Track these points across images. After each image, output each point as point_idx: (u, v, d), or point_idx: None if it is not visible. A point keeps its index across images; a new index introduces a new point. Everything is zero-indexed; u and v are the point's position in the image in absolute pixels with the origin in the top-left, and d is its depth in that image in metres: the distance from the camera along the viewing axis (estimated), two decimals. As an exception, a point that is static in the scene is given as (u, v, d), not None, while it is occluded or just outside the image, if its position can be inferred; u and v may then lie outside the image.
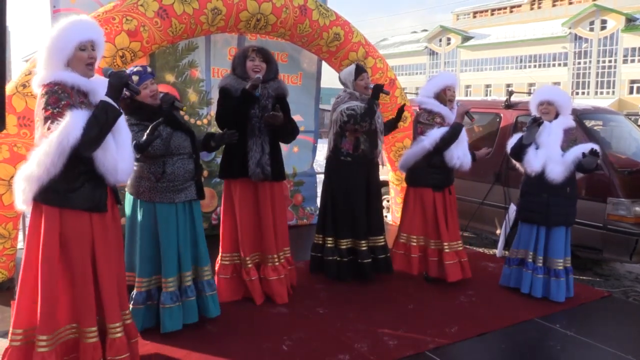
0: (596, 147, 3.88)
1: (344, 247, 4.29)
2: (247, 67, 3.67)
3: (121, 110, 2.45)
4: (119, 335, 2.59)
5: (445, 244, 4.29)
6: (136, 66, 3.23)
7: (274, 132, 3.75)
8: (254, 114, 3.67)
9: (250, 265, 3.82)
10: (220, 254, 3.86)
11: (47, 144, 2.31)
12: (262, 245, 3.85)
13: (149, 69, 3.22)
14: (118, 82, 2.41)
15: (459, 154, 4.26)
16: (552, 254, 4.10)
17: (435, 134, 4.22)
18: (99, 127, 2.35)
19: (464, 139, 4.32)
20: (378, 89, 4.10)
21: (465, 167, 4.35)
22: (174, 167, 3.17)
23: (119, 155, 2.48)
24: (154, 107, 3.15)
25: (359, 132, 4.15)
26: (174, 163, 3.17)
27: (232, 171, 3.76)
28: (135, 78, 3.10)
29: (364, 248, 4.25)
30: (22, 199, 2.45)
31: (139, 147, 2.91)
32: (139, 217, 3.19)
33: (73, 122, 2.31)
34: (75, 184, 2.45)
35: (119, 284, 2.71)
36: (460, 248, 4.41)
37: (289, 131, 3.84)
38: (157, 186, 3.16)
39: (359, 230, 4.25)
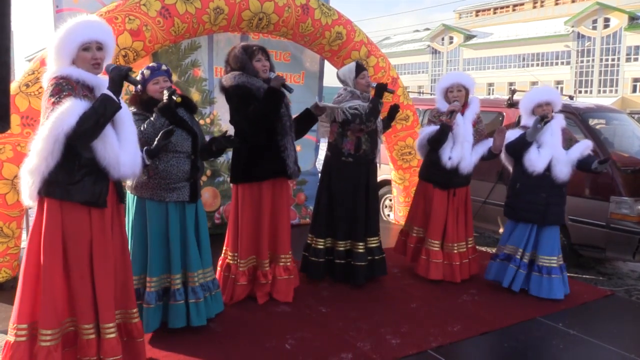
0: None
1: (342, 248, 4.21)
2: (257, 67, 3.61)
3: (121, 105, 2.43)
4: (111, 335, 2.55)
5: (433, 241, 4.31)
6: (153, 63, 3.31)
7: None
8: (284, 112, 3.66)
9: (267, 268, 3.79)
10: (238, 261, 3.76)
11: (43, 131, 2.34)
12: (276, 245, 3.82)
13: (164, 67, 3.27)
14: (117, 76, 2.40)
15: (453, 155, 4.21)
16: (543, 252, 4.12)
17: (425, 131, 4.30)
18: (95, 119, 2.33)
19: (464, 139, 4.24)
20: (382, 88, 4.06)
21: (462, 170, 4.27)
22: (168, 164, 3.14)
23: (121, 149, 2.47)
24: (158, 101, 3.15)
25: (362, 132, 4.13)
26: (168, 160, 3.14)
27: (263, 173, 3.67)
28: (146, 72, 3.19)
29: (361, 250, 4.17)
30: (27, 193, 2.46)
31: (150, 153, 2.89)
32: (131, 213, 3.18)
33: (69, 110, 2.32)
34: (76, 176, 2.44)
35: (123, 283, 2.69)
36: (455, 251, 4.37)
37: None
38: (148, 182, 3.13)
39: (359, 232, 4.19)
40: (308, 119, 4.01)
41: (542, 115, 3.98)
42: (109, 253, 2.58)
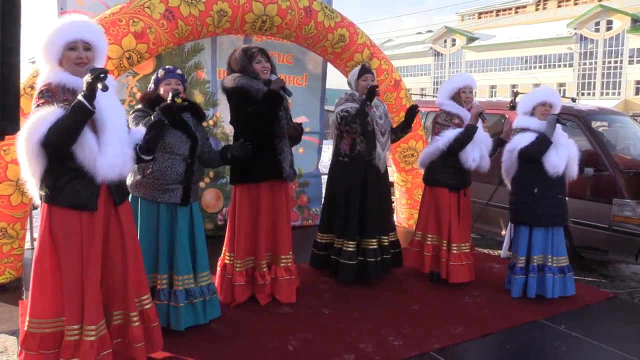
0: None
1: (338, 246, 4.32)
2: (257, 69, 3.65)
3: (93, 110, 2.33)
4: (89, 338, 2.52)
5: (454, 245, 4.28)
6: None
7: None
8: (282, 115, 3.68)
9: (265, 269, 3.80)
10: (234, 261, 3.76)
11: (20, 140, 2.37)
12: (276, 246, 3.83)
13: (178, 71, 3.33)
14: (89, 79, 2.31)
15: (475, 156, 4.21)
16: (561, 253, 4.11)
17: (449, 135, 4.18)
18: (64, 127, 2.31)
19: (482, 140, 4.25)
20: (372, 92, 4.07)
21: (483, 169, 4.29)
22: (163, 165, 3.15)
23: (100, 153, 2.43)
24: (165, 101, 3.14)
25: (353, 134, 4.16)
26: (163, 161, 3.15)
27: (259, 174, 3.68)
28: (161, 73, 3.28)
29: (350, 249, 4.21)
30: (36, 196, 2.55)
31: (141, 149, 2.75)
32: None
33: (40, 120, 2.33)
34: (62, 181, 2.45)
35: (122, 285, 2.68)
36: (468, 250, 4.39)
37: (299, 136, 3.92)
38: (142, 182, 3.16)
39: (348, 231, 4.22)
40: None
41: (556, 115, 3.97)
42: (97, 255, 2.57)
